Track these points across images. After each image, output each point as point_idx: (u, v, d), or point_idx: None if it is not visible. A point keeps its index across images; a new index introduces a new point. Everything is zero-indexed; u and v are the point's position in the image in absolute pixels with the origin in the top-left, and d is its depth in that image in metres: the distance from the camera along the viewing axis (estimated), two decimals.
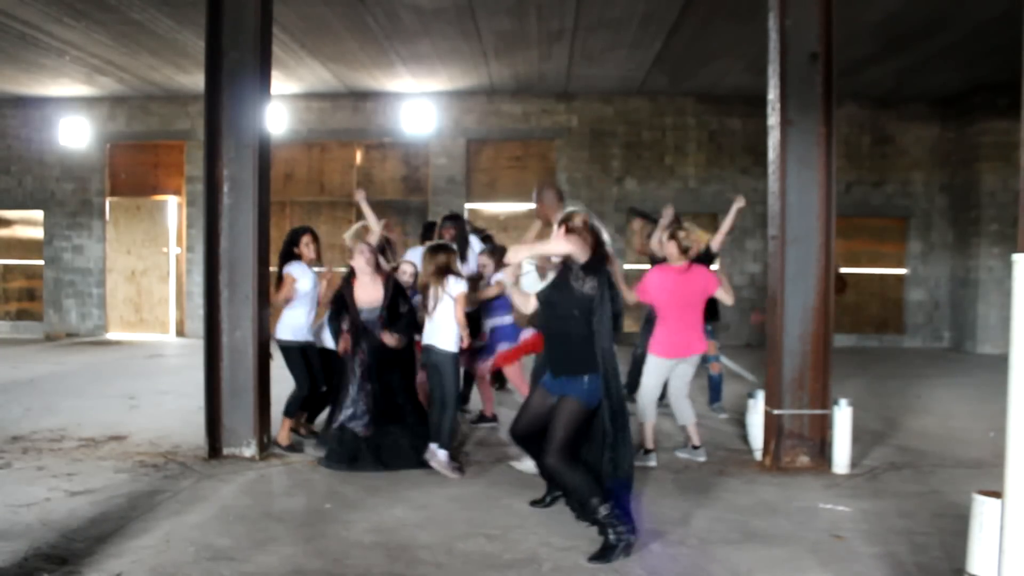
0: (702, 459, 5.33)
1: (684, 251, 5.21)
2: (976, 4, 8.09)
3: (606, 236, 3.81)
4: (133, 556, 3.51)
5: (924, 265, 12.60)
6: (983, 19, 8.46)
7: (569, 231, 3.69)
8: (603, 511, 3.53)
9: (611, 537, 3.52)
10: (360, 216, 6.01)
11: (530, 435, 3.92)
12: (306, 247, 5.63)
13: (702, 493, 4.60)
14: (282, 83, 11.63)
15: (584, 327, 3.63)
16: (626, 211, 7.72)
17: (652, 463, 5.16)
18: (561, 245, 3.63)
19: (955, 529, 3.69)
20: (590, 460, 3.75)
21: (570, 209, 3.82)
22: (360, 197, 6.17)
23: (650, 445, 5.23)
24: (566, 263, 3.72)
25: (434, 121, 12.45)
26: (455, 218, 6.25)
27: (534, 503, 4.32)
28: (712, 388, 6.93)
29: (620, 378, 3.75)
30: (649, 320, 7.34)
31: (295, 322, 5.53)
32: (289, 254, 5.61)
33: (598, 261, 3.67)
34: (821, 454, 5.14)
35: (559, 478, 3.66)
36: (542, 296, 3.87)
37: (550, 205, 5.27)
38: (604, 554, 3.50)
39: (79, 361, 10.18)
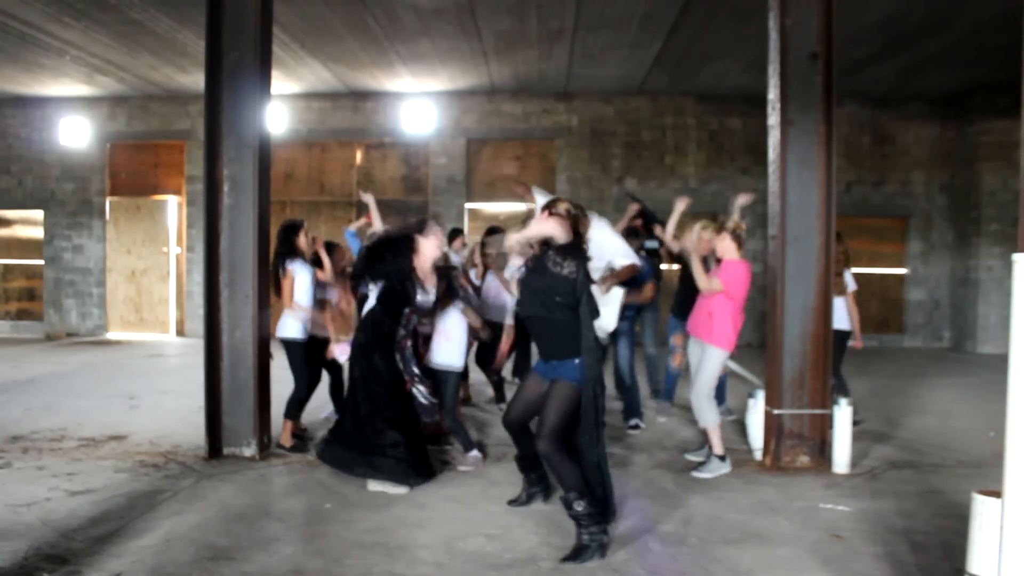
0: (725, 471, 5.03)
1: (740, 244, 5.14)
2: (976, 4, 8.09)
3: (596, 230, 3.87)
4: (133, 556, 3.51)
5: (924, 265, 12.60)
6: (983, 19, 8.47)
7: (552, 215, 3.74)
8: (578, 507, 3.50)
9: (584, 537, 3.51)
10: (359, 216, 6.01)
11: (522, 424, 3.95)
12: (303, 240, 5.64)
13: (702, 493, 4.60)
14: (282, 83, 11.63)
15: (568, 312, 3.64)
16: (624, 193, 7.45)
17: (726, 469, 4.94)
18: (544, 226, 3.66)
19: (955, 529, 3.69)
20: (583, 451, 3.71)
21: (554, 197, 3.92)
22: (368, 198, 6.17)
23: (720, 450, 4.99)
24: (543, 247, 3.73)
25: (434, 121, 12.46)
26: (497, 231, 6.36)
27: (511, 502, 4.32)
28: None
29: (599, 370, 3.71)
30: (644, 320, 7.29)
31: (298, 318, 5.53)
32: (292, 250, 5.53)
33: (575, 245, 3.68)
34: (821, 454, 5.14)
35: (549, 463, 3.66)
36: (522, 281, 3.85)
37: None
38: (577, 554, 3.49)
39: (79, 361, 10.18)
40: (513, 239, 3.82)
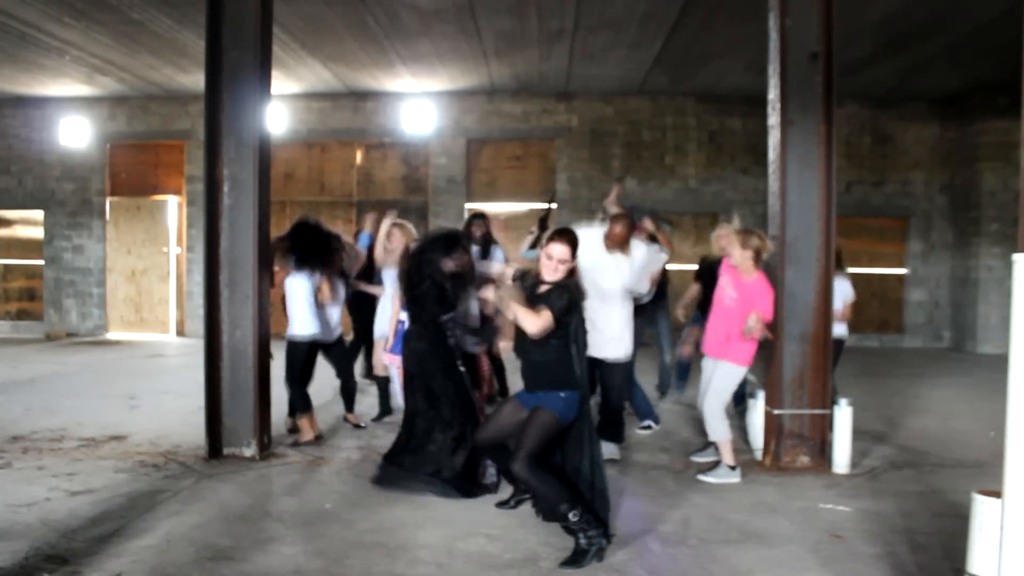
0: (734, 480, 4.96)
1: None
2: (976, 4, 8.09)
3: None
4: (133, 556, 3.51)
5: (924, 265, 12.60)
6: (983, 19, 8.47)
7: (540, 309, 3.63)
8: (572, 516, 3.51)
9: (582, 542, 3.50)
10: (360, 217, 5.99)
11: (495, 445, 3.97)
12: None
13: (702, 493, 4.60)
14: (282, 83, 11.63)
15: (561, 350, 3.67)
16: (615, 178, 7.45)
17: (735, 479, 4.88)
18: (533, 325, 3.54)
19: (955, 529, 3.68)
20: (566, 469, 3.79)
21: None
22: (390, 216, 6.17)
23: (732, 462, 4.94)
24: (539, 287, 3.74)
25: (434, 121, 12.45)
26: (483, 216, 6.40)
27: (500, 505, 4.31)
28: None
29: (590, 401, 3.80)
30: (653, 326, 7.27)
31: (307, 316, 5.66)
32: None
33: (569, 309, 3.64)
34: (821, 454, 5.14)
35: (526, 485, 3.68)
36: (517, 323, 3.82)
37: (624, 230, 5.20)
38: (576, 559, 3.49)
39: (79, 361, 10.18)
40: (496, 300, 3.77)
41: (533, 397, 3.75)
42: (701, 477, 4.92)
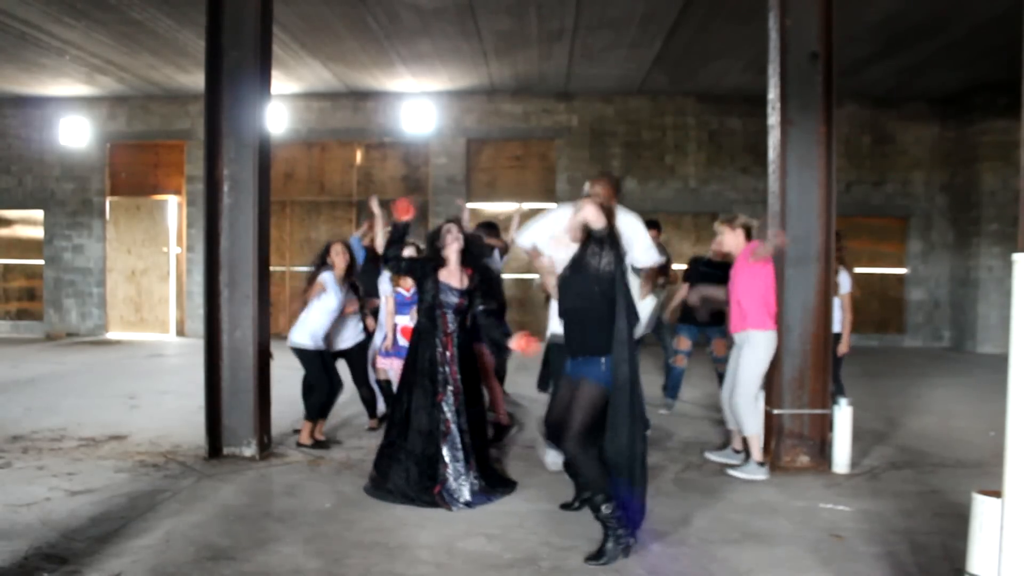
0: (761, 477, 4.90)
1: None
2: (976, 4, 8.10)
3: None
4: (133, 556, 3.51)
5: (924, 265, 12.60)
6: (983, 19, 8.47)
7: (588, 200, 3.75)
8: (605, 510, 3.51)
9: (610, 540, 3.51)
10: (360, 217, 5.95)
11: (561, 427, 3.81)
12: (337, 256, 5.64)
13: (702, 493, 4.60)
14: (282, 83, 11.63)
15: (604, 307, 3.57)
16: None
17: (763, 476, 4.86)
18: (585, 211, 3.60)
19: (955, 529, 3.68)
20: (610, 454, 3.60)
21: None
22: (374, 204, 6.15)
23: (760, 458, 4.91)
24: (582, 241, 3.69)
25: (434, 121, 12.46)
26: (493, 226, 6.39)
27: (564, 506, 4.26)
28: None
29: (635, 365, 3.59)
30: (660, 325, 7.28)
31: (314, 327, 5.52)
32: (324, 263, 5.63)
33: (612, 237, 3.62)
34: (821, 454, 5.13)
35: (576, 464, 3.64)
36: (560, 279, 3.85)
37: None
38: (600, 555, 3.49)
39: (79, 361, 10.18)
40: (568, 225, 3.76)
41: (576, 365, 3.70)
42: (731, 472, 4.94)
